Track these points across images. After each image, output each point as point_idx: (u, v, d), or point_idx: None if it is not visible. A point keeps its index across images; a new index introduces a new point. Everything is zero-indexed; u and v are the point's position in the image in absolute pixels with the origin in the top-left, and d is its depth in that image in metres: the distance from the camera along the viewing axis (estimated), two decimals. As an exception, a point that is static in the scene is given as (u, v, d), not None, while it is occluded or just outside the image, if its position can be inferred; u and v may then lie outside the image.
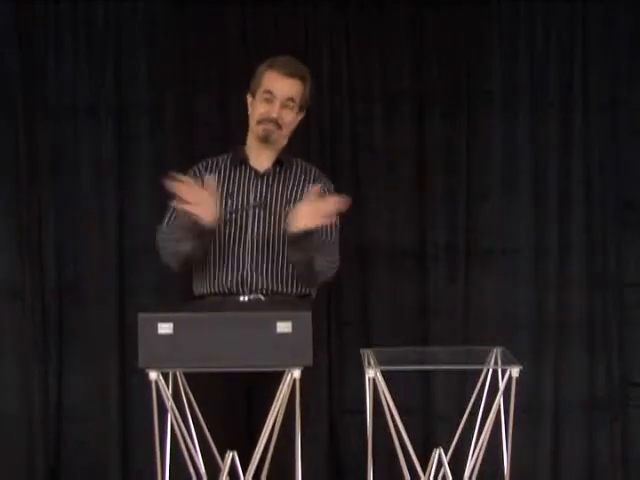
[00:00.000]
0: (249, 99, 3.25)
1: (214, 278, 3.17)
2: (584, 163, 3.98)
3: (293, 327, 2.55)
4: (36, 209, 3.92)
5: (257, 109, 3.20)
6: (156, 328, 2.54)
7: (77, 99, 3.92)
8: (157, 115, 3.94)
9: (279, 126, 3.18)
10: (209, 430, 2.77)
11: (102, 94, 3.92)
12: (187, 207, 2.96)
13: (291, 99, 3.17)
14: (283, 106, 3.17)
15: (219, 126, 3.91)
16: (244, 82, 3.85)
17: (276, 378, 2.56)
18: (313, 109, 3.92)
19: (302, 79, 3.20)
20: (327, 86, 3.93)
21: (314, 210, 2.97)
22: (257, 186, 3.20)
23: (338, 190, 3.42)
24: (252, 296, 3.14)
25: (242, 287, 3.14)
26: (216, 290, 3.17)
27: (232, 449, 2.78)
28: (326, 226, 3.12)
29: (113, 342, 3.90)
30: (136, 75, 3.93)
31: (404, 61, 3.95)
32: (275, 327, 2.55)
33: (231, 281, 3.14)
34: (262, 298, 3.14)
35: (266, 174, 3.22)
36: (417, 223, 3.98)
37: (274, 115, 3.16)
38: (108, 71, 3.91)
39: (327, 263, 3.17)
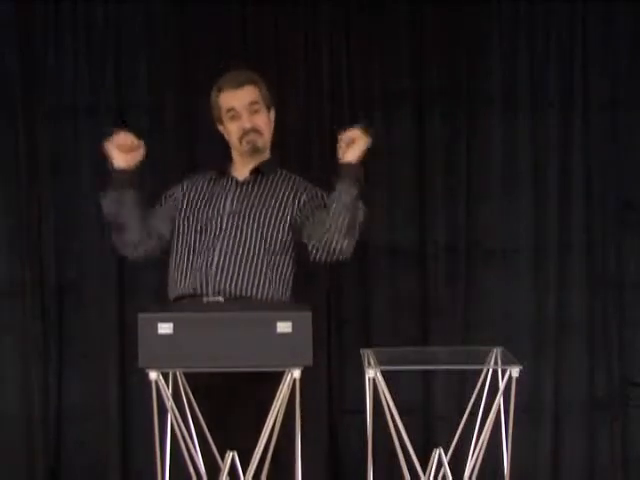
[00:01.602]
0: (220, 128, 3.28)
1: (182, 281, 3.16)
2: (584, 163, 3.98)
3: (293, 327, 2.55)
4: (36, 209, 3.92)
5: (231, 131, 3.23)
6: (156, 328, 2.54)
7: (77, 99, 3.92)
8: (157, 115, 3.94)
9: (259, 132, 3.21)
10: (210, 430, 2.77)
11: (102, 94, 3.92)
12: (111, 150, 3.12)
13: (253, 102, 3.20)
14: (251, 113, 3.19)
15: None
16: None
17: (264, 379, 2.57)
18: (313, 109, 3.94)
19: (253, 83, 3.23)
20: (327, 86, 3.93)
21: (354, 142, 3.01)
22: (234, 193, 3.21)
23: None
24: (213, 298, 3.10)
25: (206, 288, 3.11)
26: (182, 292, 3.15)
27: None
28: None
29: (113, 342, 3.90)
30: (136, 75, 3.93)
31: (404, 61, 3.95)
32: (275, 327, 2.55)
33: (195, 282, 3.12)
34: (221, 300, 3.10)
35: (245, 182, 3.23)
36: (417, 223, 3.98)
37: (247, 125, 3.19)
38: (108, 71, 3.91)
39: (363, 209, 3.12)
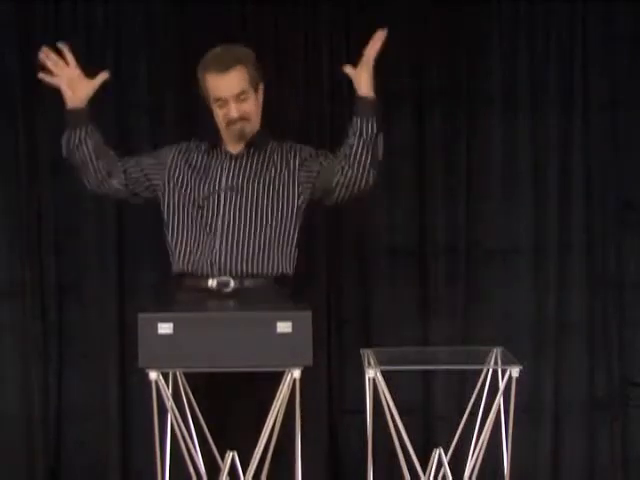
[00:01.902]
0: (208, 104, 3.27)
1: (187, 259, 3.18)
2: (584, 163, 3.98)
3: (293, 327, 2.56)
4: (36, 209, 3.92)
5: (218, 115, 3.21)
6: (156, 328, 2.55)
7: (77, 99, 3.92)
8: (157, 115, 3.94)
9: (246, 119, 3.18)
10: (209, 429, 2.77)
11: (102, 94, 3.91)
12: (51, 79, 3.17)
13: (241, 92, 3.16)
14: (239, 102, 3.16)
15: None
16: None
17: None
18: (313, 109, 3.94)
19: (241, 63, 3.16)
20: (327, 86, 3.93)
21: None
22: (229, 169, 3.22)
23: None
24: (222, 278, 3.12)
25: (212, 269, 3.13)
26: (188, 269, 3.17)
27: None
28: None
29: (113, 342, 3.90)
30: (136, 75, 3.93)
31: (404, 61, 3.95)
32: (275, 327, 2.56)
33: (202, 263, 3.14)
34: (232, 281, 3.12)
35: (239, 156, 3.23)
36: (417, 223, 3.98)
37: (235, 114, 3.16)
38: (108, 71, 3.90)
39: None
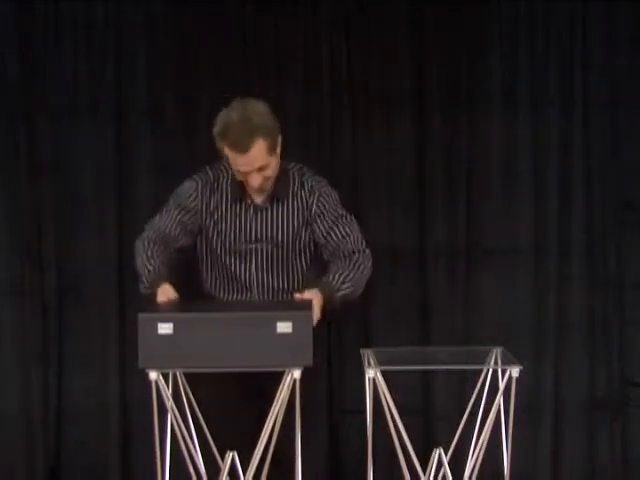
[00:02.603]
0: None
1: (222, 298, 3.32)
2: (584, 163, 3.98)
3: (293, 327, 2.56)
4: (36, 209, 3.92)
5: (238, 176, 3.26)
6: (156, 328, 2.55)
7: (77, 99, 3.92)
8: (157, 115, 3.94)
9: (267, 179, 3.24)
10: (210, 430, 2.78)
11: (102, 94, 3.91)
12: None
13: (261, 167, 3.18)
14: (259, 171, 3.19)
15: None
16: (244, 82, 3.86)
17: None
18: (314, 109, 3.93)
19: (259, 136, 3.12)
20: (327, 86, 3.93)
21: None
22: (256, 221, 3.30)
23: (339, 191, 3.44)
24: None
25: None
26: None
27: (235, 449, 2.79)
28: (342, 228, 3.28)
29: (113, 342, 3.90)
30: (136, 75, 3.93)
31: (404, 61, 3.95)
32: (275, 327, 2.56)
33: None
34: None
35: (264, 208, 3.31)
36: (417, 223, 3.98)
37: (255, 184, 3.22)
38: (108, 71, 3.90)
39: (365, 273, 3.27)
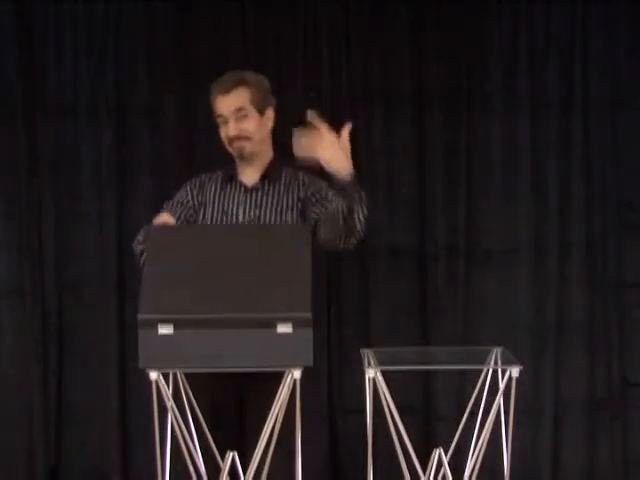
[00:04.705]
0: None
1: None
2: (584, 163, 3.98)
3: (293, 327, 2.55)
4: (36, 209, 3.92)
5: (221, 135, 3.25)
6: (156, 328, 2.54)
7: (77, 99, 3.93)
8: (157, 115, 3.94)
9: (246, 138, 3.20)
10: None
11: (102, 94, 3.92)
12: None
13: (239, 109, 3.18)
14: (238, 119, 3.19)
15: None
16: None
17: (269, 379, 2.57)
18: (313, 109, 3.93)
19: (244, 85, 3.19)
20: (327, 86, 3.93)
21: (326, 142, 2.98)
22: (245, 202, 3.24)
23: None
24: None
25: None
26: None
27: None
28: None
29: (113, 342, 3.90)
30: (136, 75, 3.93)
31: (404, 61, 3.95)
32: (275, 327, 2.55)
33: None
34: None
35: (254, 189, 3.25)
36: (417, 223, 3.98)
37: (231, 133, 3.20)
38: (108, 71, 3.91)
39: (363, 209, 3.10)
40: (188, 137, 3.93)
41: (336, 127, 3.94)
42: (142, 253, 3.13)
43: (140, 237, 3.21)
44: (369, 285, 3.96)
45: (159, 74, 3.93)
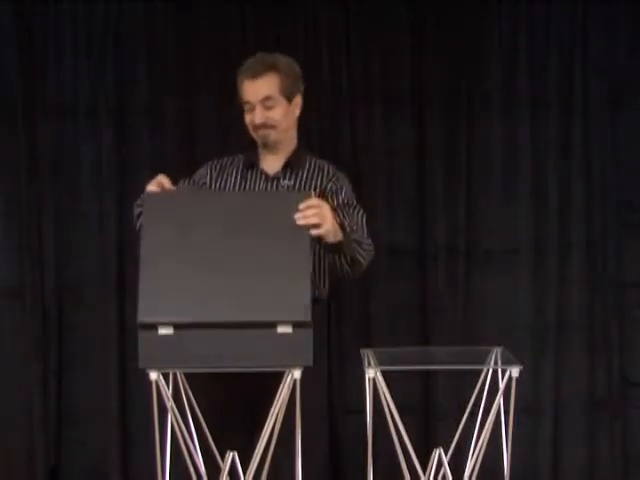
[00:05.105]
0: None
1: None
2: (584, 163, 3.98)
3: (293, 327, 2.55)
4: (36, 209, 3.92)
5: (246, 121, 3.14)
6: (156, 328, 2.54)
7: (77, 99, 3.93)
8: (157, 115, 3.94)
9: (272, 126, 3.11)
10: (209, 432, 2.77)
11: (102, 94, 3.92)
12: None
13: (267, 98, 3.07)
14: (265, 108, 3.09)
15: (219, 126, 3.91)
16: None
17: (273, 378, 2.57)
18: (313, 109, 3.93)
19: (273, 70, 3.07)
20: (327, 86, 3.93)
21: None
22: (265, 190, 3.14)
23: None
24: None
25: None
26: None
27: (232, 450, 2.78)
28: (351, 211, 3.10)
29: (113, 342, 3.90)
30: (136, 75, 3.93)
31: (404, 61, 3.95)
32: (275, 327, 2.55)
33: None
34: None
35: (275, 177, 3.16)
36: (417, 223, 3.98)
37: (257, 121, 3.09)
38: (108, 71, 3.91)
39: (366, 248, 3.09)
40: (188, 137, 3.93)
41: (336, 127, 3.97)
42: (139, 216, 3.05)
43: (139, 201, 3.11)
44: (369, 285, 3.96)
45: (159, 74, 3.93)
